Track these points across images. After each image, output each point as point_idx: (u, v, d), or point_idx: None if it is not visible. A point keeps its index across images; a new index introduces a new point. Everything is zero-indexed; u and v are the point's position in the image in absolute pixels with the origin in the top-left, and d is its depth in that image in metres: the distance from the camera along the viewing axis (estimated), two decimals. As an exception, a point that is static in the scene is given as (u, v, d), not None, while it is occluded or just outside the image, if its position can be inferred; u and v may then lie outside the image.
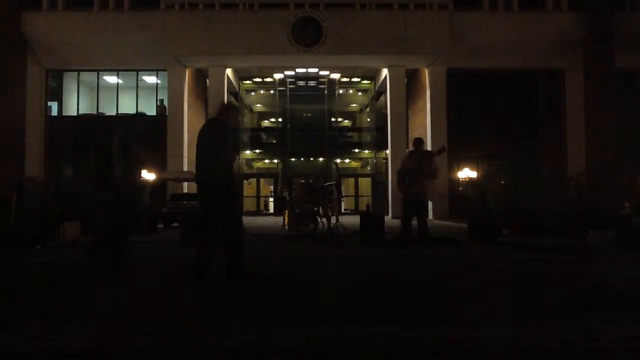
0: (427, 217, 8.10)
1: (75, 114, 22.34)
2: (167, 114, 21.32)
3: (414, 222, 7.73)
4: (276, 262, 6.48)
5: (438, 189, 19.01)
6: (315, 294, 4.18)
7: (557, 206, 11.30)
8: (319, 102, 26.44)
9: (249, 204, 26.19)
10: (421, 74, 21.94)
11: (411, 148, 8.30)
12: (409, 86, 23.00)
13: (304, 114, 28.11)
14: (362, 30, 19.33)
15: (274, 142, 27.71)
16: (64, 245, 8.61)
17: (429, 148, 18.33)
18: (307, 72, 23.53)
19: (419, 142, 8.02)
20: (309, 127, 27.39)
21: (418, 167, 7.55)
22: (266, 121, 30.64)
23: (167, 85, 21.26)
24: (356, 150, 28.29)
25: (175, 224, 13.89)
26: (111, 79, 22.74)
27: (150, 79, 22.60)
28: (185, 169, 20.54)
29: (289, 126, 26.33)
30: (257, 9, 19.75)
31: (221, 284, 4.47)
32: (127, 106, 22.17)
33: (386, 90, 22.14)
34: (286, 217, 11.10)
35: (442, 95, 20.69)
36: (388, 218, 12.97)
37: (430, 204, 19.33)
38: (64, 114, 22.43)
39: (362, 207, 25.76)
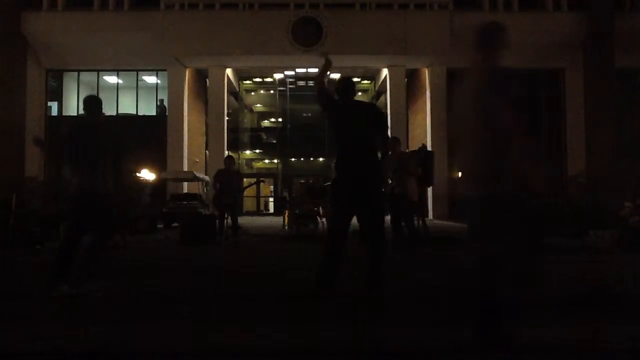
0: (422, 217, 8.08)
1: (75, 114, 22.33)
2: (167, 114, 21.33)
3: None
4: (275, 262, 6.49)
5: (440, 188, 18.98)
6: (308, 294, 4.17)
7: (557, 206, 11.28)
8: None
9: (249, 204, 26.17)
10: (421, 74, 21.94)
11: (412, 149, 8.31)
12: (409, 86, 22.99)
13: (304, 114, 28.08)
14: (362, 30, 19.32)
15: (274, 142, 27.70)
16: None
17: (429, 148, 18.35)
18: (307, 72, 23.52)
19: (395, 141, 7.99)
20: (309, 127, 27.36)
21: (398, 167, 7.55)
22: (266, 121, 30.63)
23: (167, 85, 21.26)
24: (356, 150, 28.26)
25: (175, 224, 13.88)
26: (111, 79, 22.74)
27: (150, 79, 22.60)
28: (186, 169, 20.54)
29: (289, 126, 26.32)
30: (257, 9, 19.74)
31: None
32: (127, 106, 22.18)
33: (386, 90, 22.13)
34: (286, 217, 11.10)
35: (442, 95, 20.65)
36: (388, 218, 12.93)
37: (430, 204, 19.41)
38: (64, 114, 22.43)
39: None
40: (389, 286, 4.12)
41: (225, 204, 8.76)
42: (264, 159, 29.58)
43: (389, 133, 4.70)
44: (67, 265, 4.13)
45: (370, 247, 3.97)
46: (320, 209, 10.46)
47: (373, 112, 4.46)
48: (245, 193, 22.84)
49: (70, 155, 4.30)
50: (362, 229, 4.17)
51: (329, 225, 4.25)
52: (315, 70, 23.07)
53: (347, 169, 4.10)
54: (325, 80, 4.42)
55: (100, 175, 4.28)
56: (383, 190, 4.26)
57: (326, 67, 4.39)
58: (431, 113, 20.80)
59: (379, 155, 4.24)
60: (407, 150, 10.76)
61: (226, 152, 19.70)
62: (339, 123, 4.25)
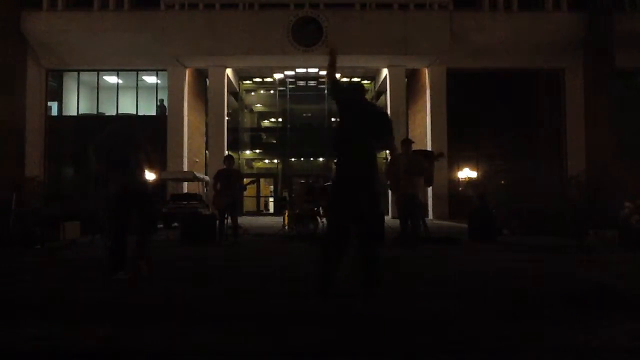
0: (422, 217, 8.10)
1: (75, 114, 22.36)
2: (167, 114, 21.33)
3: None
4: (275, 262, 6.49)
5: (440, 188, 19.06)
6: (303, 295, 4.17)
7: (557, 206, 11.29)
8: (319, 102, 26.46)
9: (249, 204, 26.18)
10: (421, 74, 21.94)
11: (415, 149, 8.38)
12: (409, 86, 23.00)
13: (304, 114, 28.10)
14: (362, 30, 19.33)
15: (274, 142, 27.71)
16: (64, 245, 8.61)
17: (428, 148, 18.39)
18: (307, 72, 23.54)
19: (408, 143, 8.11)
20: (309, 127, 27.39)
21: (409, 167, 7.59)
22: (266, 121, 30.64)
23: (167, 85, 21.27)
24: (356, 150, 28.31)
25: (175, 224, 13.88)
26: (111, 79, 22.75)
27: (150, 79, 22.61)
28: (186, 169, 20.55)
29: (289, 126, 26.34)
30: (257, 9, 19.75)
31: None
32: (127, 106, 22.20)
33: (386, 90, 22.14)
34: (286, 217, 11.09)
35: (442, 95, 20.69)
36: (388, 218, 12.96)
37: (430, 204, 19.43)
38: (64, 114, 22.45)
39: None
40: (388, 284, 4.12)
41: (226, 204, 8.77)
42: (264, 159, 29.59)
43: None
44: (122, 257, 4.68)
45: (367, 247, 3.90)
46: (320, 209, 10.45)
47: (384, 117, 4.35)
48: (245, 193, 22.87)
49: (105, 157, 4.81)
50: (359, 233, 4.08)
51: (328, 229, 4.13)
52: (315, 70, 23.13)
53: (351, 169, 3.97)
54: (335, 72, 4.37)
55: (133, 174, 4.81)
56: (382, 191, 4.19)
57: (333, 58, 4.33)
58: (431, 113, 20.81)
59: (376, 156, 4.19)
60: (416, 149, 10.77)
61: (226, 152, 19.71)
62: (351, 121, 4.08)
